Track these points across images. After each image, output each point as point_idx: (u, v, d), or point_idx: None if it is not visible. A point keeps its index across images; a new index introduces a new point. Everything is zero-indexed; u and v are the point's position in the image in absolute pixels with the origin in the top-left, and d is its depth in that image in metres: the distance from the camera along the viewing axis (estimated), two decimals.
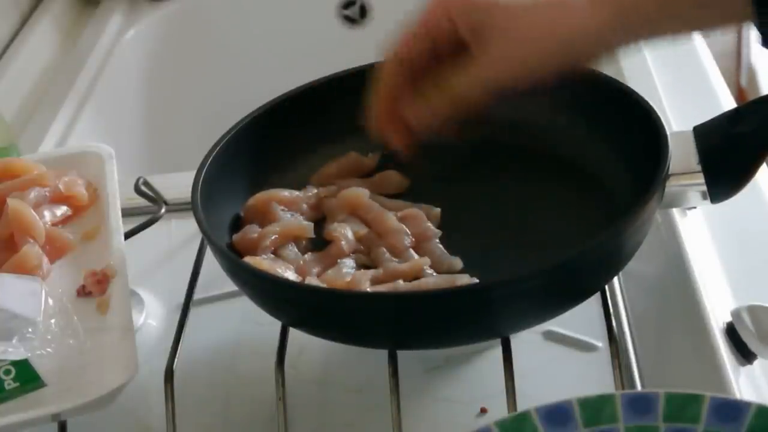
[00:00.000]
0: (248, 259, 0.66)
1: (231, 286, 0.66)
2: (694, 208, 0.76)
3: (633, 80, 0.93)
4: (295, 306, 0.63)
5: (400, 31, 0.65)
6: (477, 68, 0.62)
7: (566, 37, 0.60)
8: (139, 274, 0.82)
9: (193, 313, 0.70)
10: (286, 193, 0.72)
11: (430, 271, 0.66)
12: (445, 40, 0.63)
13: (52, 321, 0.65)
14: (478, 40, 0.61)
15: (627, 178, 0.68)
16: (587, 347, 0.72)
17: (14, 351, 0.61)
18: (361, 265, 0.68)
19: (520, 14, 0.61)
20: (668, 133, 0.65)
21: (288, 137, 0.76)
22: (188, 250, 0.79)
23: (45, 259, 0.69)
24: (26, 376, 0.60)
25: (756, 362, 0.65)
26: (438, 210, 0.71)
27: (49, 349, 0.62)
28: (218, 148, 0.71)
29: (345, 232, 0.69)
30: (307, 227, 0.70)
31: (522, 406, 0.56)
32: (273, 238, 0.68)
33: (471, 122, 0.66)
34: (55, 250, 0.71)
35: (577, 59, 0.61)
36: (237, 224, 0.71)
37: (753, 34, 0.59)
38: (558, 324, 0.71)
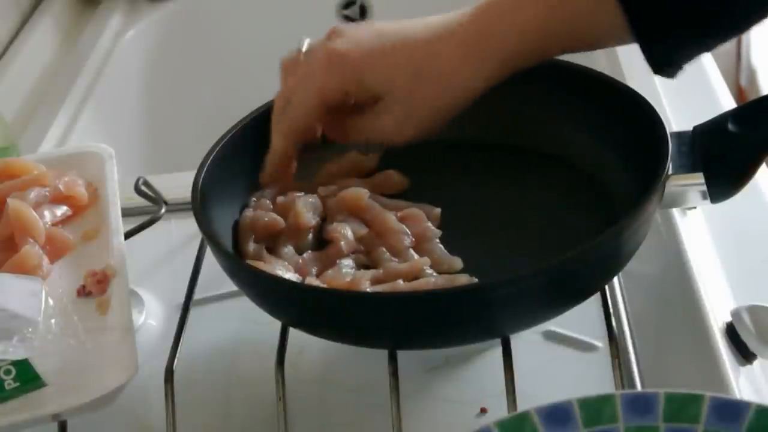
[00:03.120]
0: (248, 260, 0.66)
1: (231, 286, 0.66)
2: (694, 208, 0.76)
3: (633, 80, 0.93)
4: (295, 306, 0.63)
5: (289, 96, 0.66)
6: (376, 123, 0.65)
7: (453, 101, 0.63)
8: (139, 274, 0.82)
9: (193, 313, 0.70)
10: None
11: (430, 271, 0.66)
12: (340, 104, 0.65)
13: (52, 321, 0.65)
14: (376, 105, 0.64)
15: (627, 178, 0.68)
16: (587, 347, 0.72)
17: (14, 351, 0.61)
18: (361, 265, 0.68)
19: (411, 84, 0.63)
20: (668, 133, 0.65)
21: None
22: (188, 250, 0.79)
23: (45, 259, 0.69)
24: (26, 376, 0.60)
25: (756, 362, 0.65)
26: (438, 210, 0.71)
27: (49, 349, 0.62)
28: (218, 148, 0.71)
29: (345, 232, 0.69)
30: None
31: (522, 406, 0.56)
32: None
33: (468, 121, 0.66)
34: (55, 250, 0.71)
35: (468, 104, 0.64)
36: (237, 224, 0.71)
37: (751, 36, 0.59)
38: (558, 324, 0.71)
